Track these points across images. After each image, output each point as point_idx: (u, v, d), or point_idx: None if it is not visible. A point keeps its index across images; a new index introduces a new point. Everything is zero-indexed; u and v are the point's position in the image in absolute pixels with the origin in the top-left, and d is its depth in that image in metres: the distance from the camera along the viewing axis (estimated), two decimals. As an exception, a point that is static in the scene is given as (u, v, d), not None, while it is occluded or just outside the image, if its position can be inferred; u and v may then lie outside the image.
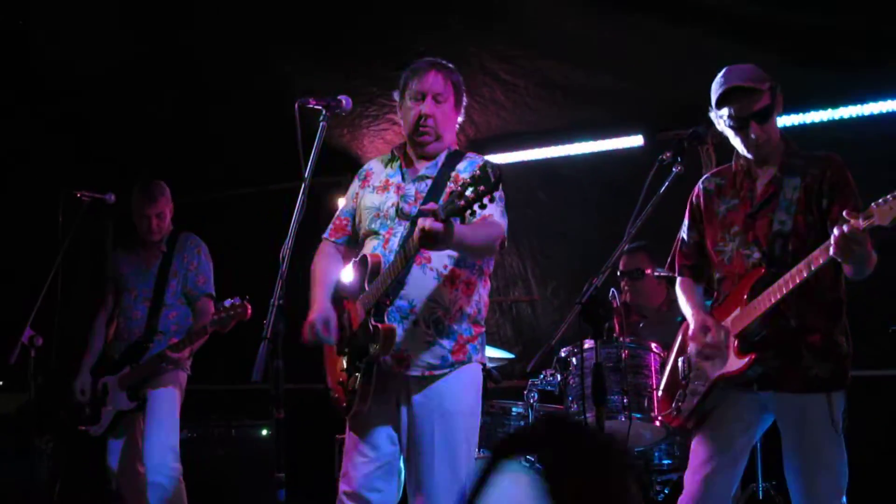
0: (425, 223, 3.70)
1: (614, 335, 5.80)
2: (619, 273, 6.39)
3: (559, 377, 5.87)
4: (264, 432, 7.43)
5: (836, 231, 3.68)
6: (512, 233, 8.03)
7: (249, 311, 5.89)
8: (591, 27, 6.93)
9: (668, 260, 4.67)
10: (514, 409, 6.21)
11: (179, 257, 6.38)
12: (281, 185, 8.00)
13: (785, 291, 3.92)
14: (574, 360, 5.72)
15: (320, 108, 4.09)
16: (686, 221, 4.52)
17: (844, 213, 3.68)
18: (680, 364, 4.44)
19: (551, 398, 6.10)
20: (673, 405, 4.40)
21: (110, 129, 8.26)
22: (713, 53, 4.24)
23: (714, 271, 4.41)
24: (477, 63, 7.44)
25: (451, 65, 4.47)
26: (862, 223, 3.62)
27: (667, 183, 4.23)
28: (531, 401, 5.90)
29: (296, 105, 3.97)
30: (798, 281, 3.88)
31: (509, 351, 6.93)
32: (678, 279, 4.61)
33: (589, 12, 6.80)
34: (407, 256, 3.99)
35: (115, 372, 6.19)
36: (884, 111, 6.79)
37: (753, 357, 4.02)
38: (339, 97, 4.18)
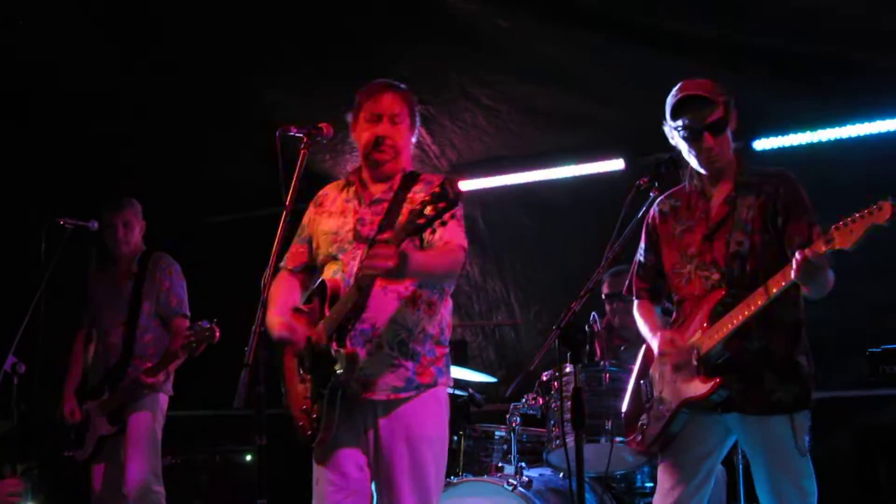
0: (383, 251, 3.71)
1: (596, 359, 5.81)
2: (604, 296, 6.40)
3: (541, 401, 5.88)
4: (248, 458, 7.42)
5: (797, 255, 3.69)
6: (494, 257, 8.17)
7: (217, 335, 5.86)
8: (571, 53, 7.00)
9: (626, 283, 4.64)
10: (496, 434, 6.21)
11: (151, 278, 6.34)
12: (263, 211, 8.01)
13: (746, 316, 3.91)
14: (557, 382, 5.73)
15: (302, 135, 4.10)
16: (642, 244, 4.49)
17: (814, 239, 3.70)
18: (642, 387, 4.41)
19: (534, 422, 6.10)
20: (637, 432, 4.36)
21: (93, 156, 8.26)
22: (692, 77, 4.25)
23: (673, 293, 4.39)
24: (459, 88, 7.49)
25: (403, 85, 4.42)
26: (823, 247, 3.63)
27: (644, 207, 4.25)
28: (514, 424, 5.89)
29: (277, 134, 3.97)
30: (758, 306, 3.87)
31: (492, 375, 6.94)
32: (636, 302, 4.58)
33: (570, 38, 6.87)
34: (360, 287, 3.96)
35: (95, 397, 6.18)
36: (860, 134, 6.85)
37: (718, 381, 4.00)
38: (320, 125, 4.20)
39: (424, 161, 8.09)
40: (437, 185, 3.65)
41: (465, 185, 8.11)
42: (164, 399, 6.25)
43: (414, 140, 4.50)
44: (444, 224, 3.66)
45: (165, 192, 7.80)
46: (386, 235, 3.77)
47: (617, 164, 7.70)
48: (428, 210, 3.61)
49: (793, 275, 3.72)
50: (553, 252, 7.91)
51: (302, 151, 4.07)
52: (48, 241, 6.16)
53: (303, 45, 7.25)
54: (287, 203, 4.02)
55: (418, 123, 4.48)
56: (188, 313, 6.32)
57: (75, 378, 6.37)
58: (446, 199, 3.59)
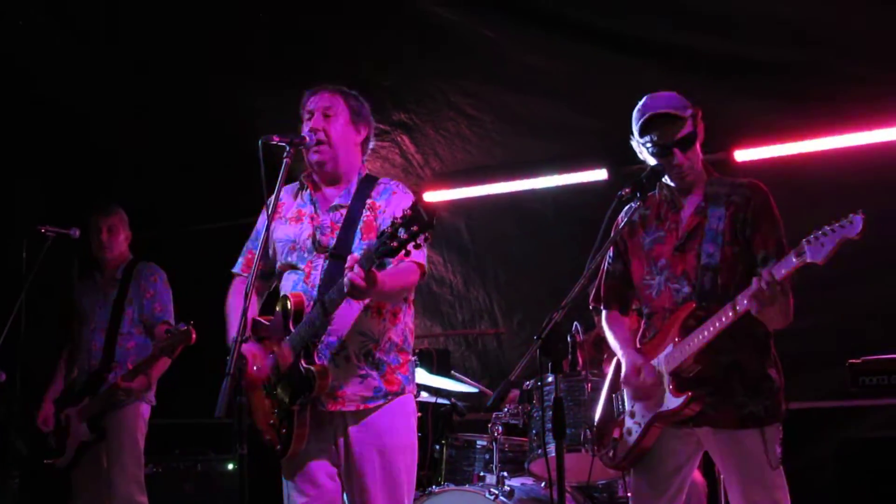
0: (351, 277, 3.72)
1: (578, 368, 5.81)
2: (591, 307, 6.37)
3: (522, 410, 5.89)
4: (230, 467, 7.39)
5: (753, 284, 3.69)
6: (478, 265, 8.17)
7: (194, 336, 5.84)
8: (555, 63, 7.01)
9: (593, 292, 4.58)
10: (478, 443, 6.21)
11: (136, 285, 6.32)
12: (245, 219, 7.99)
13: (716, 330, 3.87)
14: (538, 392, 5.73)
15: (284, 144, 4.08)
16: (610, 252, 4.42)
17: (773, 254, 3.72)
18: (614, 401, 4.37)
19: (516, 431, 6.10)
20: (608, 445, 4.32)
21: (76, 163, 8.24)
22: (675, 87, 4.25)
23: (642, 306, 4.35)
24: (442, 98, 7.51)
25: (352, 91, 4.41)
26: (794, 261, 3.62)
27: (627, 218, 4.22)
28: (496, 434, 5.89)
29: (259, 142, 3.96)
30: (729, 320, 3.83)
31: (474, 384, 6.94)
32: (604, 312, 4.52)
33: (554, 49, 6.89)
34: (326, 311, 3.95)
35: (76, 403, 6.14)
36: (841, 146, 6.86)
37: (690, 395, 3.96)
38: (302, 134, 4.21)
39: (408, 170, 8.10)
40: (409, 207, 3.62)
41: (449, 195, 8.13)
42: (145, 409, 6.22)
43: (363, 141, 4.42)
44: (417, 247, 3.65)
45: (148, 200, 7.79)
46: (357, 255, 3.81)
47: (600, 174, 7.71)
48: (401, 233, 3.60)
49: (753, 308, 3.72)
50: (536, 261, 7.92)
51: (285, 160, 4.06)
52: (29, 250, 6.13)
53: (285, 54, 7.26)
54: (271, 209, 4.03)
55: (370, 124, 4.44)
56: (172, 321, 6.26)
57: (56, 386, 6.34)
58: (420, 222, 3.57)
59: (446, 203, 8.27)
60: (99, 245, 6.33)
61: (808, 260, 3.58)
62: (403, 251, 3.64)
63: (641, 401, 4.12)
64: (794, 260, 3.63)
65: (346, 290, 3.79)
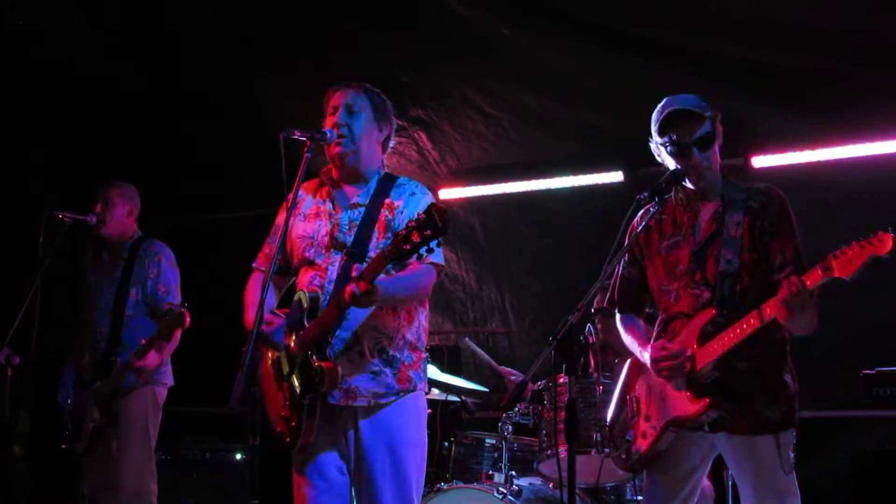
0: (352, 289, 3.76)
1: (589, 370, 5.81)
2: (594, 310, 6.38)
3: (533, 410, 5.89)
4: (238, 456, 7.40)
5: (783, 288, 3.68)
6: (491, 264, 8.17)
7: (188, 320, 5.80)
8: (573, 63, 7.02)
9: (608, 296, 4.59)
10: (487, 441, 6.22)
11: (140, 265, 6.17)
12: (263, 210, 8.02)
13: (737, 337, 3.86)
14: (549, 393, 5.74)
15: (305, 139, 4.10)
16: (625, 257, 4.39)
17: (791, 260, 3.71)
18: (628, 402, 4.37)
19: (525, 430, 6.11)
20: (621, 448, 4.33)
21: (94, 149, 8.27)
22: (694, 92, 4.25)
23: (660, 311, 4.33)
24: (460, 95, 7.52)
25: (376, 89, 4.43)
26: (821, 275, 3.60)
27: (644, 222, 4.21)
28: (505, 433, 5.91)
29: (280, 136, 3.97)
30: (752, 328, 3.82)
31: (484, 383, 6.95)
32: (619, 316, 4.53)
33: (572, 49, 6.89)
34: (340, 310, 3.98)
35: (88, 387, 6.06)
36: (859, 155, 6.82)
37: (708, 402, 3.95)
38: (323, 130, 4.21)
39: (424, 166, 8.10)
40: (423, 211, 3.63)
41: (464, 192, 8.13)
42: (160, 392, 6.13)
43: (385, 140, 4.46)
44: (430, 252, 3.66)
45: (165, 189, 7.80)
46: (366, 270, 3.84)
47: (616, 176, 7.70)
48: (414, 236, 3.60)
49: (776, 308, 3.71)
50: (549, 261, 7.92)
51: (305, 156, 4.07)
52: (46, 235, 6.14)
53: (305, 48, 7.28)
54: (289, 205, 4.03)
55: (392, 123, 4.47)
56: (177, 302, 6.05)
57: (72, 367, 6.31)
58: (433, 227, 3.58)
59: (461, 200, 8.28)
60: (98, 219, 6.19)
61: (835, 275, 3.57)
62: (416, 255, 3.65)
63: (671, 379, 4.07)
64: (820, 274, 3.62)
65: (348, 299, 3.82)
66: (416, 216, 3.64)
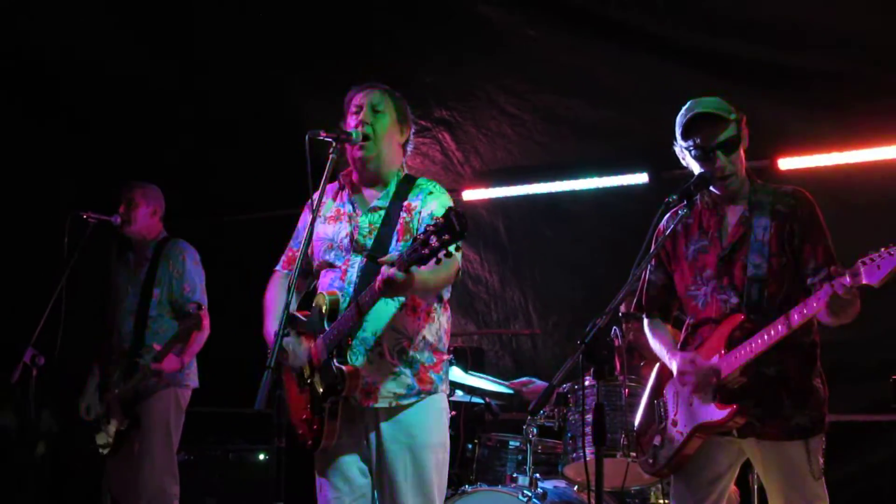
0: (387, 274, 3.72)
1: (615, 374, 5.79)
2: (620, 315, 6.34)
3: (558, 413, 5.88)
4: (262, 457, 7.41)
5: (826, 289, 3.64)
6: (514, 265, 8.15)
7: (204, 322, 5.83)
8: (599, 64, 6.99)
9: (635, 301, 4.56)
10: (511, 443, 6.21)
11: (164, 265, 6.21)
12: (287, 210, 8.03)
13: (765, 343, 3.83)
14: (574, 395, 5.72)
15: (330, 140, 4.10)
16: (652, 261, 4.38)
17: (832, 271, 3.66)
18: (656, 407, 4.35)
19: (550, 433, 6.09)
20: (648, 452, 4.31)
21: (120, 149, 8.30)
22: (720, 94, 4.22)
23: (687, 316, 4.31)
24: (484, 96, 7.50)
25: (396, 92, 4.42)
26: (848, 280, 3.58)
27: (672, 226, 4.19)
28: (530, 435, 5.88)
29: (306, 137, 3.96)
30: (780, 334, 3.79)
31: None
32: (646, 321, 4.51)
33: (598, 50, 6.87)
34: (361, 311, 3.96)
35: (113, 389, 6.09)
36: (888, 157, 6.75)
37: (735, 409, 3.93)
38: (348, 130, 4.20)
39: (448, 167, 8.09)
40: (442, 216, 3.61)
41: (488, 193, 8.11)
42: (183, 393, 6.16)
43: (405, 143, 4.45)
44: (448, 256, 3.64)
45: (189, 190, 7.82)
46: (392, 256, 3.81)
47: (641, 178, 7.64)
48: (432, 241, 3.59)
49: (820, 308, 3.68)
50: (573, 263, 7.89)
51: (331, 156, 4.07)
52: (71, 235, 6.15)
53: (330, 48, 7.28)
54: (315, 207, 4.03)
55: (412, 126, 4.46)
56: (202, 302, 6.10)
57: (96, 372, 6.32)
58: (451, 230, 3.56)
59: (485, 201, 8.26)
60: (122, 220, 6.24)
61: (864, 282, 3.54)
62: (434, 259, 3.63)
63: (697, 393, 4.06)
64: (848, 280, 3.58)
65: (378, 287, 3.80)
66: (433, 220, 3.63)
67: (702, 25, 6.54)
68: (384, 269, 3.75)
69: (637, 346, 6.27)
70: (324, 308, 4.14)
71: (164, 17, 7.27)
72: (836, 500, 4.07)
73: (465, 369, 6.59)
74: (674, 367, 4.18)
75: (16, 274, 7.93)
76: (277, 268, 4.60)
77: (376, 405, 4.13)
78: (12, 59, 7.59)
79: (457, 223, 3.55)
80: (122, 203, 6.28)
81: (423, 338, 4.22)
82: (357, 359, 4.08)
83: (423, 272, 3.89)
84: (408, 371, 4.16)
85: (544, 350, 8.06)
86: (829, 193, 4.55)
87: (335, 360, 4.02)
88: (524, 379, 6.67)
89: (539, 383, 6.55)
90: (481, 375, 6.60)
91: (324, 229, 4.37)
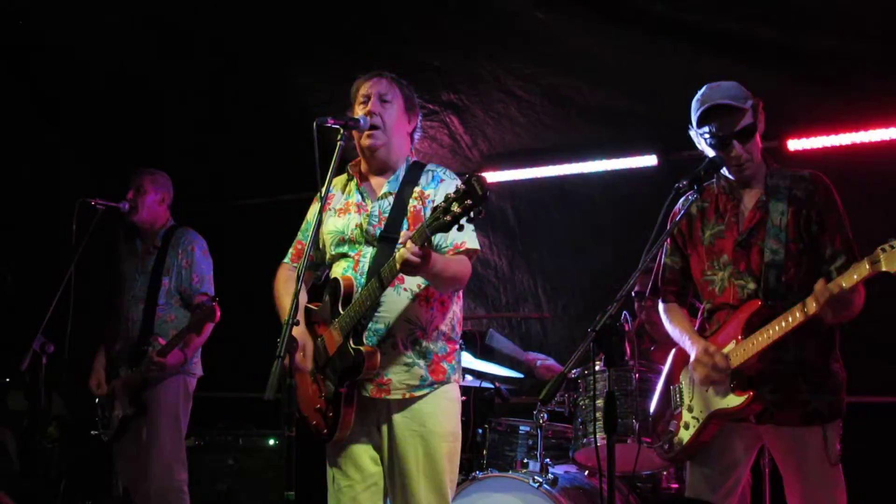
0: (405, 250, 3.70)
1: (625, 358, 5.77)
2: (634, 293, 6.31)
3: (568, 398, 5.86)
4: (271, 442, 7.41)
5: (819, 288, 3.64)
6: (523, 249, 8.13)
7: (218, 314, 5.83)
8: (607, 47, 6.95)
9: (650, 285, 4.55)
10: (521, 428, 6.20)
11: (173, 254, 6.21)
12: (296, 195, 8.01)
13: (782, 330, 3.81)
14: (585, 381, 5.71)
15: (338, 126, 4.08)
16: (667, 245, 4.37)
17: (824, 282, 3.65)
18: (672, 393, 4.34)
19: (560, 417, 6.08)
20: (664, 438, 4.30)
21: (127, 136, 8.29)
22: (728, 75, 4.19)
23: (703, 301, 4.29)
24: (492, 79, 7.46)
25: (402, 80, 4.42)
26: (868, 268, 3.54)
27: (683, 210, 4.16)
28: (541, 420, 5.87)
29: (315, 124, 3.93)
30: (797, 321, 3.77)
31: (518, 368, 6.91)
32: (662, 305, 4.48)
33: (606, 32, 6.82)
34: (383, 284, 3.94)
35: (118, 375, 6.11)
36: (896, 138, 6.73)
37: (752, 395, 3.92)
38: (356, 117, 4.18)
39: (456, 151, 8.06)
40: (463, 182, 3.59)
41: (497, 177, 8.08)
42: (190, 381, 6.17)
43: (413, 131, 4.45)
44: (471, 221, 3.60)
45: (197, 175, 7.82)
46: (410, 232, 3.77)
47: (649, 161, 7.59)
48: (454, 207, 3.56)
49: (816, 309, 3.67)
50: (582, 246, 7.86)
51: (339, 144, 4.05)
52: (79, 222, 6.14)
53: (337, 31, 7.25)
54: (323, 194, 4.00)
55: (419, 115, 4.46)
56: (210, 292, 6.15)
57: (104, 354, 6.32)
58: (475, 196, 3.53)
59: (493, 185, 8.18)
60: (130, 207, 6.23)
61: (883, 269, 3.51)
62: (456, 226, 3.61)
63: (710, 385, 4.05)
64: (868, 268, 3.56)
65: (398, 265, 3.78)
66: (455, 187, 3.60)
67: (710, 6, 6.48)
68: (401, 248, 3.74)
69: (650, 324, 6.24)
70: (338, 293, 4.14)
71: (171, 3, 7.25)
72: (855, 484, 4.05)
73: (475, 354, 6.59)
74: (692, 353, 4.15)
75: (24, 262, 7.93)
76: (286, 261, 4.61)
77: (389, 397, 4.13)
78: (19, 49, 7.58)
79: (479, 188, 3.52)
80: (130, 189, 6.26)
81: (437, 327, 4.22)
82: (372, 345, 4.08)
83: (440, 260, 3.91)
84: (421, 362, 4.15)
85: (553, 333, 8.05)
86: (839, 174, 4.50)
87: (351, 342, 4.03)
88: (540, 355, 6.66)
89: (552, 361, 6.55)
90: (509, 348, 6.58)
91: (334, 222, 4.36)
